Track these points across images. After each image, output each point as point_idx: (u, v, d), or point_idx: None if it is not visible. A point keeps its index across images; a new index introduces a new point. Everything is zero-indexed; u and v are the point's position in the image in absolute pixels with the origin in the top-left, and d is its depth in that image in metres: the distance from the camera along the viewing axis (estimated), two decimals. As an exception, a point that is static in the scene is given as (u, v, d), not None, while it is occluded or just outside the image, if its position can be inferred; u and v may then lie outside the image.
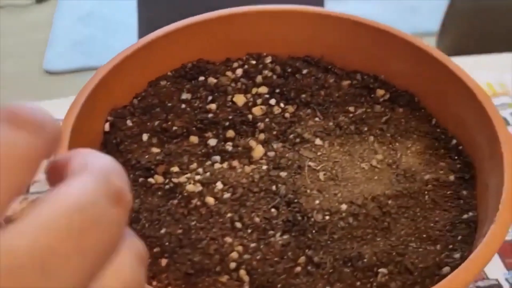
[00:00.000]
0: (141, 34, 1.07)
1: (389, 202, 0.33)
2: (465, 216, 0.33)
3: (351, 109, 0.40)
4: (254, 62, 0.44)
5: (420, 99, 0.41)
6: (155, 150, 0.36)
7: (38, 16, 2.03)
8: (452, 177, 0.35)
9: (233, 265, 0.29)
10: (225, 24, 0.43)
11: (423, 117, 0.40)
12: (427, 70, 0.40)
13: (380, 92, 0.41)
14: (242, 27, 0.44)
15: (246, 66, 0.43)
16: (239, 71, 0.42)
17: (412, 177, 0.35)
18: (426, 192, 0.34)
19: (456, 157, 0.37)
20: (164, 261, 0.29)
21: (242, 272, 0.29)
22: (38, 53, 1.86)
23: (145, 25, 1.09)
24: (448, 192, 0.34)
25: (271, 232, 0.31)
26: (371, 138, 0.38)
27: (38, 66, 1.82)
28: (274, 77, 0.42)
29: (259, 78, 0.42)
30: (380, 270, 0.29)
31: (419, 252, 0.31)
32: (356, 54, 0.43)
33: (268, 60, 0.44)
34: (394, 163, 0.36)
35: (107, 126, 0.36)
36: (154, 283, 0.28)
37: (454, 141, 0.37)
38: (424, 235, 0.31)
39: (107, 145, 0.36)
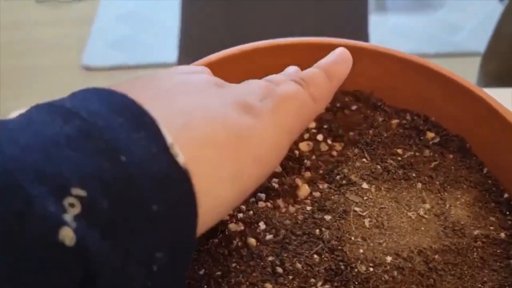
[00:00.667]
0: (182, 37, 1.07)
1: (436, 257, 0.32)
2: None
3: (399, 151, 0.39)
4: (301, 93, 0.43)
5: (471, 146, 0.40)
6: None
7: (79, 13, 2.06)
8: (502, 235, 0.34)
9: (273, 314, 0.29)
10: (269, 55, 0.43)
11: (474, 165, 0.38)
12: (480, 116, 0.39)
13: (430, 134, 0.40)
14: (289, 58, 0.43)
15: (293, 97, 0.42)
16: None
17: (460, 231, 0.33)
18: (474, 249, 0.33)
19: (507, 213, 0.35)
20: (203, 305, 0.29)
21: (282, 322, 0.28)
22: (77, 48, 1.89)
23: (187, 28, 1.09)
24: (498, 251, 0.33)
25: (312, 280, 0.30)
26: (419, 185, 0.36)
27: (76, 61, 1.85)
28: (324, 112, 0.42)
29: (306, 111, 0.41)
30: (423, 331, 0.28)
31: (465, 314, 0.29)
32: (406, 93, 0.42)
33: (317, 92, 0.43)
34: (442, 214, 0.35)
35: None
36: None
37: (506, 195, 0.36)
38: (471, 296, 0.30)
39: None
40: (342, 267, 0.31)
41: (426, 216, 0.34)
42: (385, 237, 0.33)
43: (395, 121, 0.41)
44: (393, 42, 1.91)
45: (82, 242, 0.17)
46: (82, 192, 0.18)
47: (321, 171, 0.37)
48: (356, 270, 0.31)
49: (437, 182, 0.37)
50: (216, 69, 0.41)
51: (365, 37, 1.11)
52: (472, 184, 0.37)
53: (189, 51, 1.10)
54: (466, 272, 0.32)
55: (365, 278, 0.31)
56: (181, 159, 0.21)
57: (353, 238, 0.33)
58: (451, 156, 0.39)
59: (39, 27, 2.03)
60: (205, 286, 0.30)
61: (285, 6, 1.08)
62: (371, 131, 0.40)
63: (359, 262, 0.31)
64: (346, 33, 1.04)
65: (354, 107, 0.42)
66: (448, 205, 0.35)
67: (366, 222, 0.34)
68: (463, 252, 0.32)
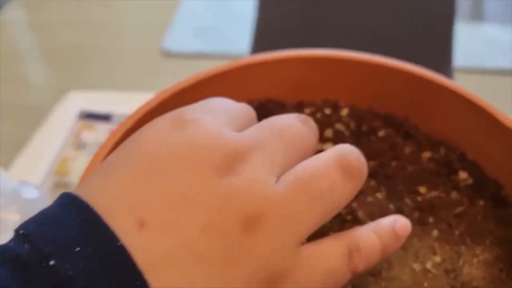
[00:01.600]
0: (256, 31, 1.06)
1: (433, 322, 0.28)
2: None
3: (422, 190, 0.35)
4: (328, 111, 0.40)
5: (509, 194, 0.35)
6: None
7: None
8: (521, 306, 0.29)
9: None
10: (307, 66, 0.40)
11: (507, 218, 0.33)
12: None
13: (462, 175, 0.36)
14: (326, 71, 0.40)
15: (318, 115, 0.39)
16: (309, 120, 0.38)
17: (469, 295, 0.29)
18: (482, 319, 0.28)
19: (533, 281, 0.30)
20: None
21: None
22: (159, 33, 1.93)
23: (261, 21, 1.07)
24: (511, 325, 0.28)
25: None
26: (435, 232, 0.32)
27: (157, 46, 1.89)
28: (346, 133, 0.38)
29: (328, 132, 0.38)
30: None
31: None
32: (445, 122, 0.38)
33: (345, 112, 0.40)
34: (453, 271, 0.30)
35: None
36: None
37: (536, 259, 0.31)
38: None
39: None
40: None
41: (433, 271, 0.30)
42: (379, 288, 0.29)
43: (426, 154, 0.37)
44: (484, 54, 1.79)
45: None
46: None
47: (326, 202, 0.34)
48: (336, 321, 0.28)
49: (457, 232, 0.32)
50: (239, 75, 0.39)
51: (447, 46, 1.04)
52: (497, 240, 0.32)
53: (261, 45, 1.08)
54: None
55: (345, 332, 0.27)
56: None
57: (342, 283, 0.29)
58: (481, 202, 0.34)
59: (126, 9, 2.09)
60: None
61: (364, 9, 1.03)
62: (394, 164, 0.36)
63: (342, 312, 0.28)
64: (426, 40, 0.97)
65: (382, 134, 0.38)
66: (462, 261, 0.31)
67: (362, 267, 0.30)
68: (467, 320, 0.28)
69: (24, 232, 0.19)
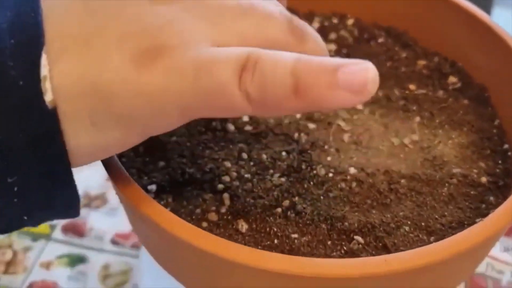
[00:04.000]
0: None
1: (402, 181, 0.32)
2: (479, 220, 0.30)
3: (412, 86, 0.38)
4: (336, 21, 0.43)
5: (491, 97, 0.38)
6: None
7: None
8: (484, 179, 0.32)
9: (220, 186, 0.30)
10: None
11: (486, 114, 0.36)
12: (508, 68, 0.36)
13: (452, 79, 0.39)
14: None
15: (326, 23, 0.43)
16: (316, 25, 0.42)
17: (439, 166, 0.33)
18: (446, 185, 0.32)
19: (500, 161, 0.33)
20: (161, 164, 0.32)
21: (226, 195, 0.30)
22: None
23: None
24: (472, 193, 0.32)
25: (271, 171, 0.32)
26: (417, 118, 0.36)
27: None
28: (350, 39, 0.42)
29: (332, 36, 0.42)
30: (356, 237, 0.28)
31: (408, 237, 0.29)
32: (442, 36, 0.41)
33: (351, 22, 0.43)
34: (428, 148, 0.34)
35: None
36: (146, 178, 0.31)
37: (506, 146, 0.34)
38: (423, 224, 0.30)
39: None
40: (303, 166, 0.32)
41: (409, 146, 0.34)
42: (359, 154, 0.33)
43: (421, 62, 0.40)
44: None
45: None
46: None
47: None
48: (315, 171, 0.31)
49: (437, 120, 0.36)
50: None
51: None
52: (474, 129, 0.35)
53: None
54: (428, 202, 0.31)
55: (321, 180, 0.31)
56: (48, 97, 0.20)
57: (326, 146, 0.33)
58: (465, 101, 0.37)
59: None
60: (169, 149, 0.32)
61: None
62: (388, 64, 0.39)
63: (320, 166, 0.32)
64: None
65: (381, 40, 0.41)
66: (437, 141, 0.34)
67: (346, 136, 0.34)
68: (433, 184, 0.32)
69: None
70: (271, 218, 0.29)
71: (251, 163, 0.32)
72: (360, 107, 0.36)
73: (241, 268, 0.24)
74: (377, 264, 0.23)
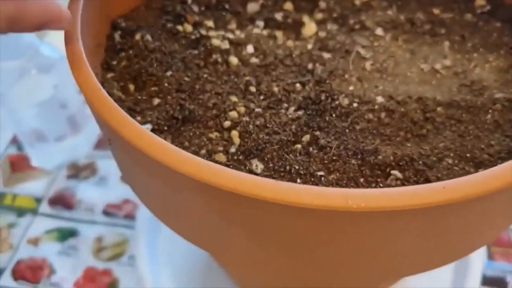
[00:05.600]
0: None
1: (438, 109, 0.27)
2: (531, 148, 0.26)
3: (436, 11, 0.33)
4: None
5: (527, 18, 0.33)
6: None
7: None
8: (531, 104, 0.28)
9: (227, 123, 0.26)
10: None
11: (524, 36, 0.32)
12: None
13: (480, 2, 0.34)
14: None
15: None
16: None
17: (479, 91, 0.28)
18: (490, 111, 0.27)
19: (546, 85, 0.29)
20: (156, 101, 0.27)
21: (235, 133, 0.25)
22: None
23: None
24: (520, 118, 0.27)
25: (285, 104, 0.27)
26: (447, 43, 0.31)
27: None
28: None
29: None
30: (393, 172, 0.24)
31: (454, 170, 0.24)
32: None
33: None
34: (463, 73, 0.29)
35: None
36: (139, 118, 0.26)
37: (552, 67, 0.30)
38: (468, 155, 0.25)
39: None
40: (323, 97, 0.27)
41: (442, 72, 0.29)
42: (385, 82, 0.28)
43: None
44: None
45: None
46: None
47: (335, 15, 0.33)
48: (337, 102, 0.27)
49: (470, 44, 0.31)
50: None
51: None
52: (512, 52, 0.31)
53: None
54: (471, 131, 0.26)
55: (344, 112, 0.27)
56: None
57: (346, 76, 0.29)
58: (498, 24, 0.33)
59: None
60: (166, 84, 0.27)
61: None
62: (408, -13, 0.35)
63: (343, 95, 0.27)
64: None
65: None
66: (473, 65, 0.30)
67: (368, 64, 0.29)
68: (474, 111, 0.27)
69: None
70: (290, 155, 0.24)
71: (261, 97, 0.27)
72: (380, 32, 0.31)
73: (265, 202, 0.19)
74: (434, 191, 0.19)
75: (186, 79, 0.28)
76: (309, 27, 0.32)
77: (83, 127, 0.51)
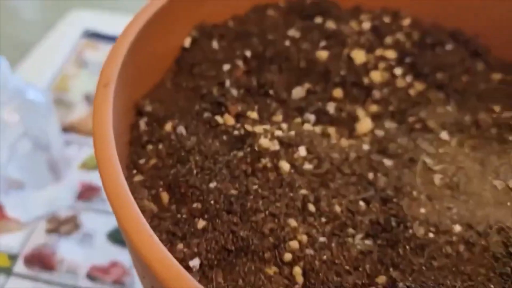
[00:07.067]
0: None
1: (522, 242, 0.24)
2: None
3: (496, 108, 0.30)
4: (388, 20, 0.35)
5: None
6: (237, 85, 0.28)
7: None
8: None
9: (288, 256, 0.22)
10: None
11: None
12: None
13: (541, 99, 0.31)
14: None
15: (376, 22, 0.34)
16: (367, 25, 0.34)
17: (561, 219, 0.25)
18: None
19: None
20: (201, 223, 0.22)
21: (297, 269, 0.21)
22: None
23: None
24: None
25: (351, 230, 0.23)
26: (516, 152, 0.28)
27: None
28: (408, 44, 0.33)
29: (388, 40, 0.33)
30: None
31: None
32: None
33: (407, 22, 0.35)
34: (540, 193, 0.26)
35: (187, 42, 0.30)
36: (181, 246, 0.21)
37: None
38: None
39: (181, 63, 0.29)
40: (394, 223, 0.23)
41: (517, 190, 0.26)
42: (458, 202, 0.25)
43: (497, 76, 0.33)
44: None
45: None
46: None
47: (391, 108, 0.29)
48: (411, 231, 0.23)
49: (540, 154, 0.28)
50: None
51: None
52: None
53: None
54: (559, 270, 0.23)
55: (420, 244, 0.23)
56: None
57: (415, 193, 0.25)
58: None
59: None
60: (212, 201, 0.23)
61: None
62: (465, 78, 0.31)
63: (418, 223, 0.23)
64: None
65: (449, 47, 0.33)
66: (549, 183, 0.27)
67: (437, 178, 0.26)
68: (561, 244, 0.24)
69: None
70: (366, 304, 0.20)
71: (323, 219, 0.23)
72: (445, 136, 0.28)
73: None
74: None
75: (233, 191, 0.23)
76: (365, 123, 0.28)
77: (65, 174, 0.46)
